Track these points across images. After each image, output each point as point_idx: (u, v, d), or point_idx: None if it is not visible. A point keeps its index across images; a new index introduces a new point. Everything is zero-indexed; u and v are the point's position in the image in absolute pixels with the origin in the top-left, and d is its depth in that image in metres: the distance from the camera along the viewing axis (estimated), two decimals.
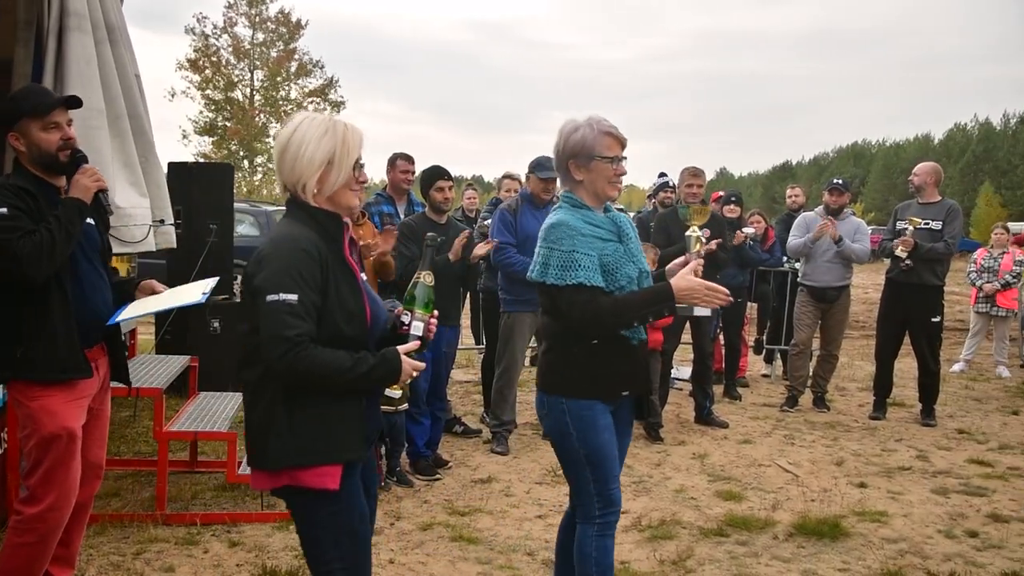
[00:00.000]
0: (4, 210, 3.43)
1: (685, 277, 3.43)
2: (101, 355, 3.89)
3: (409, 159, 7.10)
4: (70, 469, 3.66)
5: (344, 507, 2.91)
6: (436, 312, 3.10)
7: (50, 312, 3.57)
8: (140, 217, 5.29)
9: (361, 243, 5.91)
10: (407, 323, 3.02)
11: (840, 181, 9.02)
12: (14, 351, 3.56)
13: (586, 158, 3.50)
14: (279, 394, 2.81)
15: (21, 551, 3.62)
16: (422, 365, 2.99)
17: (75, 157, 3.72)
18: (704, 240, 3.95)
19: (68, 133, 3.68)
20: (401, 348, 2.91)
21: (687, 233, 3.87)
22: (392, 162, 7.11)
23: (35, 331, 3.56)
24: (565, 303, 3.42)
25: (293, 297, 2.71)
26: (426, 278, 3.09)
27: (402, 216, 6.86)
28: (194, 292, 3.93)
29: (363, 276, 3.01)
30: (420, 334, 3.02)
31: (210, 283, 3.94)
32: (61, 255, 3.52)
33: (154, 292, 3.97)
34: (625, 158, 3.57)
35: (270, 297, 2.70)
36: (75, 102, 3.81)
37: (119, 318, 3.79)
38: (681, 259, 3.72)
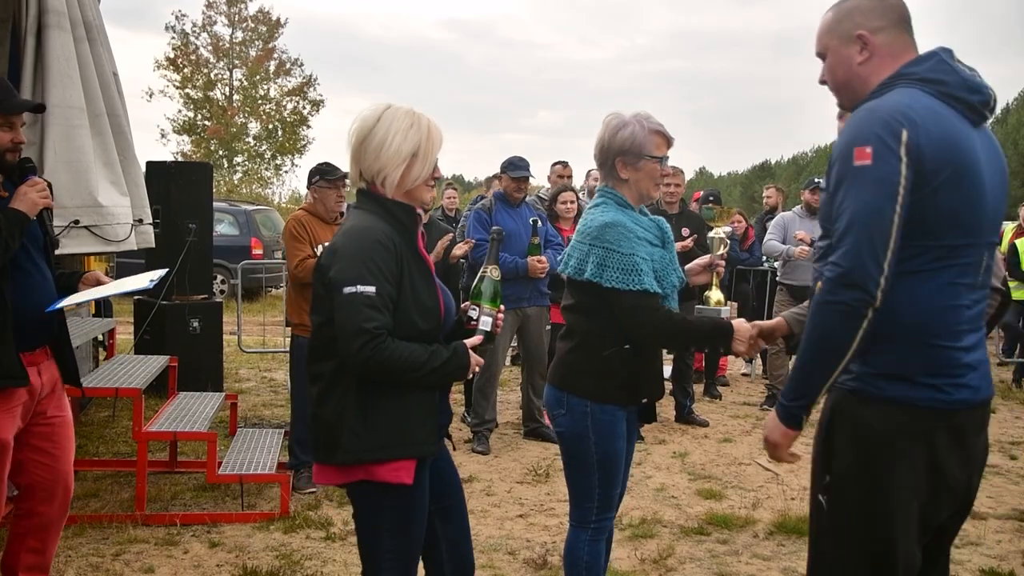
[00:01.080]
0: None
1: (744, 324, 3.31)
2: (45, 358, 3.71)
3: None
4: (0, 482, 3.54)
5: (412, 500, 2.90)
6: (503, 307, 3.07)
7: None
8: (122, 216, 5.28)
9: None
10: (475, 318, 3.00)
11: (820, 181, 9.06)
12: None
13: (635, 156, 3.37)
14: (353, 387, 2.78)
15: None
16: (483, 360, 2.98)
17: (24, 166, 3.59)
18: (728, 242, 3.90)
19: (20, 137, 3.55)
20: (467, 342, 2.91)
21: (710, 234, 3.79)
22: None
23: None
24: (626, 308, 3.27)
25: (371, 289, 2.69)
26: (493, 272, 3.06)
27: None
28: (142, 279, 3.84)
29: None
30: (488, 329, 3.00)
31: (158, 273, 3.88)
32: None
33: (99, 283, 3.83)
34: (668, 158, 3.48)
35: (347, 289, 2.68)
36: (41, 108, 3.75)
37: (59, 304, 3.62)
38: (704, 259, 3.68)
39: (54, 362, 3.78)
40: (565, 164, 8.68)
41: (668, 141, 3.46)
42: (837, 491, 2.50)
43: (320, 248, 5.64)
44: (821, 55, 2.65)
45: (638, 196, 3.46)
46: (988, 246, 2.44)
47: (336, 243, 2.83)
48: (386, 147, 2.82)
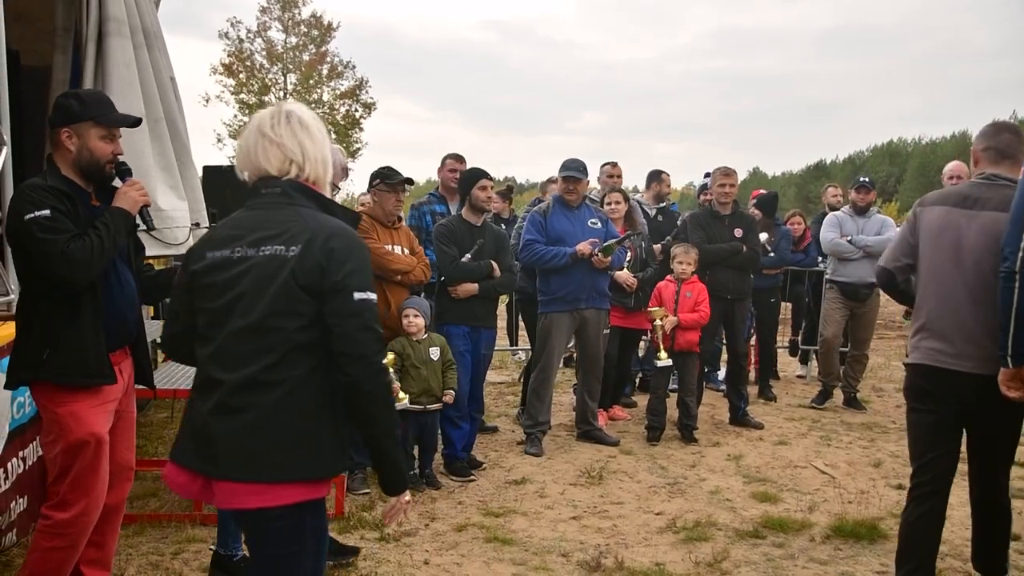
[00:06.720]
0: (47, 212, 3.39)
1: None
2: (124, 358, 3.87)
3: (458, 158, 7.20)
4: (99, 474, 3.64)
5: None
6: None
7: (80, 317, 3.53)
8: (180, 219, 5.35)
9: (397, 261, 5.96)
10: None
11: (867, 179, 9.10)
12: (40, 353, 3.50)
13: None
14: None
15: (52, 555, 3.60)
16: None
17: (120, 169, 3.76)
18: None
19: (119, 148, 3.73)
20: None
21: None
22: (443, 162, 7.23)
23: (64, 335, 3.51)
24: None
25: None
26: None
27: None
28: None
29: None
30: None
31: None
32: (105, 262, 3.51)
33: None
34: None
35: None
36: (137, 123, 3.94)
37: None
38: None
39: (132, 360, 3.95)
40: (614, 164, 8.69)
41: None
42: None
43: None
44: None
45: None
46: None
47: None
48: None
